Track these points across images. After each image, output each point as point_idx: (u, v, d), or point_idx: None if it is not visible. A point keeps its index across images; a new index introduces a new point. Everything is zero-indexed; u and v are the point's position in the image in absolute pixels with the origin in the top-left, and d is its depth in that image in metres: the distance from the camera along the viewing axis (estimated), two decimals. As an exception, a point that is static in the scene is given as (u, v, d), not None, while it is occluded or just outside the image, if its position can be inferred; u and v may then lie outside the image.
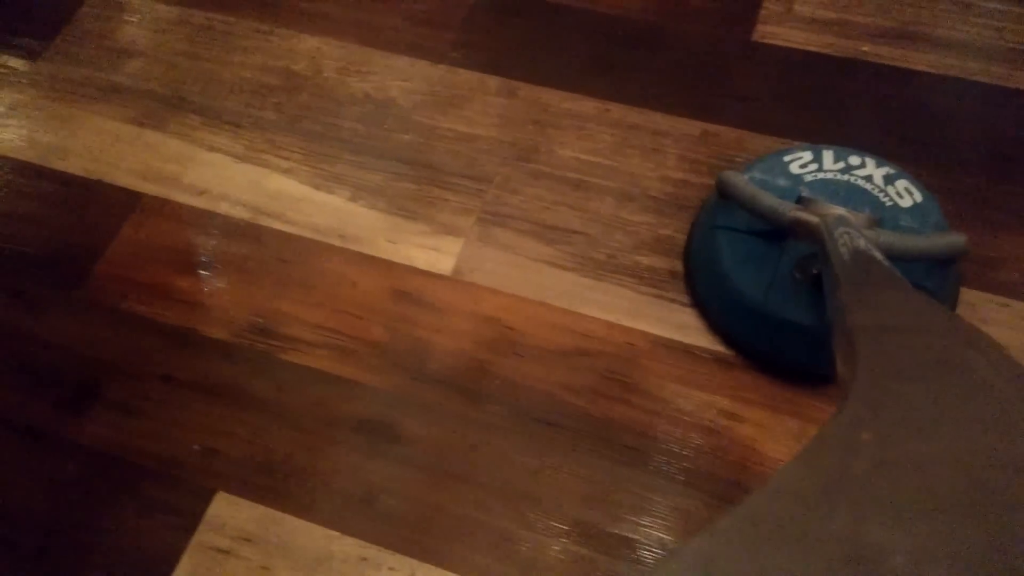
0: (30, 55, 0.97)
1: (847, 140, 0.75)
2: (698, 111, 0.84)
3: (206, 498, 0.68)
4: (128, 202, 0.84)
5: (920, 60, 0.84)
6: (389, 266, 0.78)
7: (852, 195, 0.69)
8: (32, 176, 0.87)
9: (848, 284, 0.42)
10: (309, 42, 0.94)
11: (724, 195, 0.69)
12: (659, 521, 0.64)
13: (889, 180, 0.69)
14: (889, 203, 0.68)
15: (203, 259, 0.80)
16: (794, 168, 0.71)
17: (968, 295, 0.72)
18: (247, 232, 0.81)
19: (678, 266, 0.75)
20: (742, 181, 0.68)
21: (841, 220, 0.58)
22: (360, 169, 0.84)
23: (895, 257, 0.58)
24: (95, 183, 0.86)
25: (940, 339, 0.31)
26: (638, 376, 0.70)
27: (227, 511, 0.67)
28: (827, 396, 0.68)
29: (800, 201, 0.67)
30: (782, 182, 0.70)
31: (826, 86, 0.84)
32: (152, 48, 0.96)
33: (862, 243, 0.50)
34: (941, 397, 0.25)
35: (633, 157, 0.82)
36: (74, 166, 0.87)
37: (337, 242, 0.80)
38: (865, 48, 0.86)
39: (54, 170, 0.87)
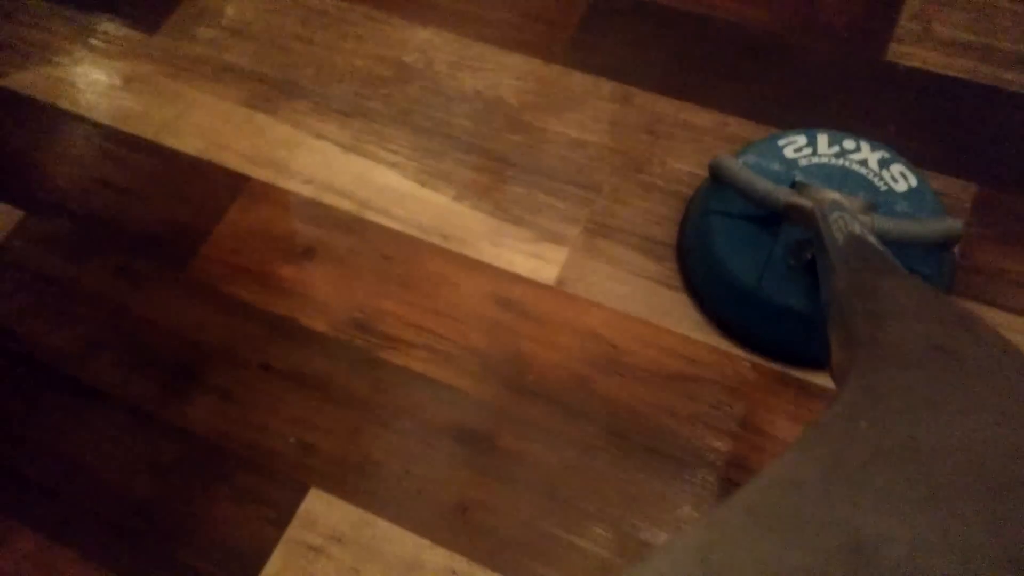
0: (147, 28, 0.97)
1: (993, 179, 0.71)
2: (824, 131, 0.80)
3: (300, 493, 0.68)
4: (235, 185, 0.84)
5: (1065, 93, 0.80)
6: (491, 271, 0.76)
7: (847, 179, 0.68)
8: (144, 151, 0.88)
9: (843, 270, 0.42)
10: (422, 33, 0.93)
11: (718, 179, 0.68)
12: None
13: (884, 164, 0.69)
14: (884, 187, 0.68)
15: (307, 248, 0.79)
16: (788, 152, 0.71)
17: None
18: (351, 225, 0.80)
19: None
20: (736, 165, 0.67)
21: (836, 205, 0.57)
22: (467, 168, 0.83)
23: (890, 242, 0.57)
24: (205, 163, 0.86)
25: (936, 325, 0.30)
26: (747, 408, 0.67)
27: (320, 508, 0.67)
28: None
29: (795, 186, 0.67)
30: (776, 166, 0.70)
31: (963, 114, 0.80)
32: (266, 29, 0.96)
33: (857, 228, 0.49)
34: (938, 383, 0.24)
35: (750, 175, 0.79)
36: (186, 144, 0.88)
37: (440, 242, 0.79)
38: (1009, 76, 0.81)
39: (166, 147, 0.88)
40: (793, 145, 0.71)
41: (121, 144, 0.88)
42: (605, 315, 0.73)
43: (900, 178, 0.68)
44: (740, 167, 0.67)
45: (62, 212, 0.84)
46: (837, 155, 0.70)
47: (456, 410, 0.70)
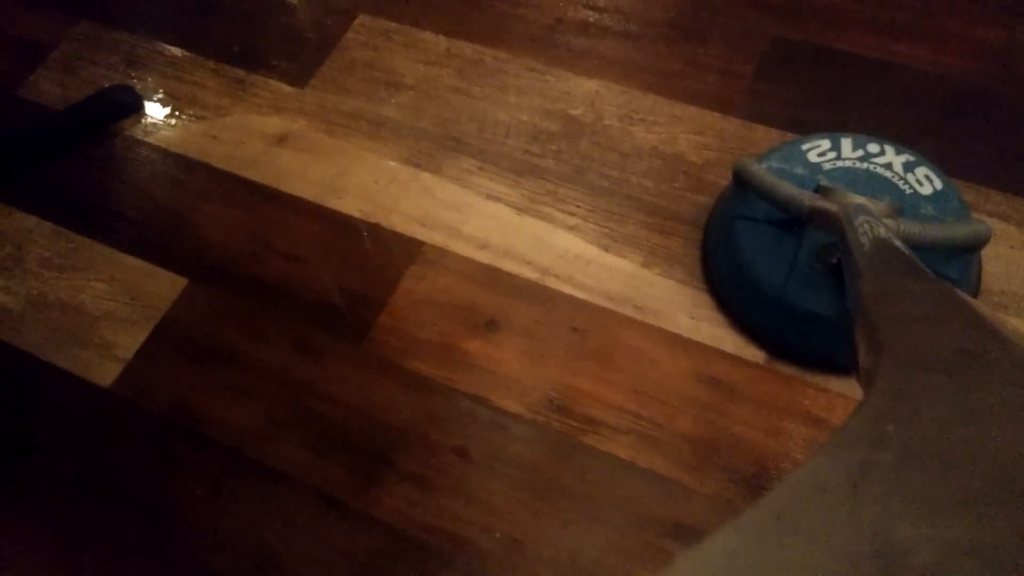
0: (297, 81, 0.94)
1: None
2: (1040, 191, 0.75)
3: (511, 595, 0.63)
4: (408, 251, 0.81)
5: None
6: (693, 346, 0.72)
7: (872, 183, 0.68)
8: (307, 214, 0.84)
9: (869, 274, 0.42)
10: (587, 85, 0.89)
11: (742, 185, 0.68)
12: None
13: (909, 167, 0.68)
14: (909, 191, 0.67)
15: (490, 319, 0.76)
16: (812, 156, 0.70)
17: None
18: (536, 294, 0.76)
19: None
20: (760, 170, 0.66)
21: (861, 209, 0.56)
22: (652, 231, 0.78)
23: (916, 246, 0.57)
24: (373, 227, 0.83)
25: (964, 329, 0.30)
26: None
27: (536, 613, 0.62)
28: None
29: (819, 190, 0.66)
30: (800, 170, 0.69)
31: None
32: (421, 81, 0.92)
33: (883, 232, 0.49)
34: (966, 388, 0.24)
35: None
36: (349, 206, 0.84)
37: (633, 313, 0.74)
38: None
39: (329, 208, 0.85)
40: (817, 149, 0.71)
41: (282, 206, 0.85)
42: (826, 398, 0.68)
43: (925, 181, 0.68)
44: (764, 172, 0.66)
45: (227, 279, 0.81)
46: (861, 159, 0.69)
47: (671, 505, 0.65)
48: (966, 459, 0.20)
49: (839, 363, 0.68)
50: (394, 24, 0.97)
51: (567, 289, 0.76)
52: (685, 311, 0.74)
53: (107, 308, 0.80)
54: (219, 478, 0.71)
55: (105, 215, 0.87)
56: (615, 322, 0.74)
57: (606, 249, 0.78)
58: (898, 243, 0.48)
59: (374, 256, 0.81)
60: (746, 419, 0.68)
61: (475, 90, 0.91)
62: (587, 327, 0.74)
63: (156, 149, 0.91)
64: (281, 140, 0.90)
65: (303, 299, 0.79)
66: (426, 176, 0.85)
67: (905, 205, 0.66)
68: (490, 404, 0.71)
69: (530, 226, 0.81)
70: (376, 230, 0.82)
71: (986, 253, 0.72)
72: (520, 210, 0.82)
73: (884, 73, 0.84)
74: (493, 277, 0.78)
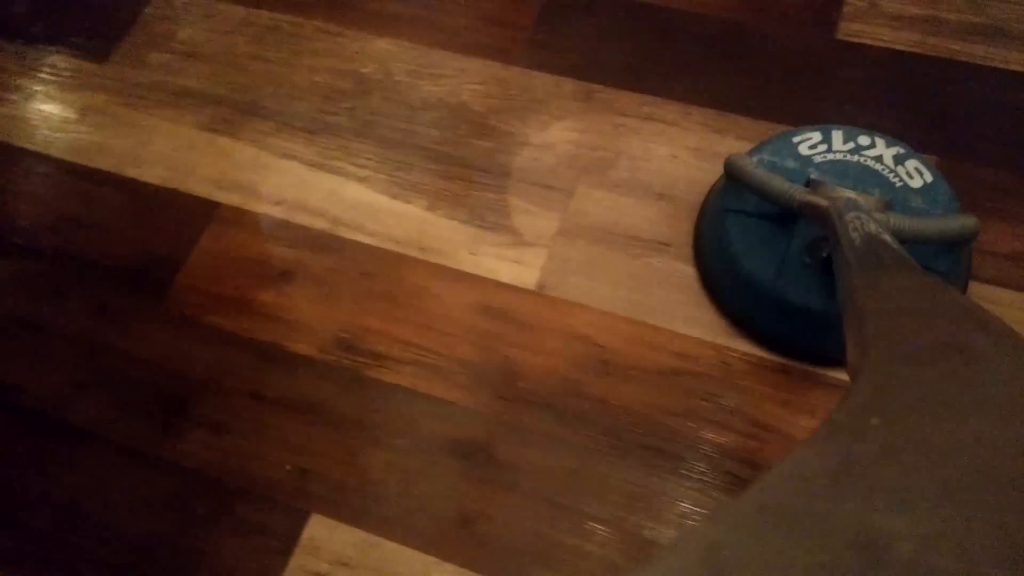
0: (98, 58, 0.96)
1: (947, 148, 0.73)
2: (784, 115, 0.82)
3: (301, 520, 0.68)
4: (205, 212, 0.83)
5: (1015, 59, 0.81)
6: (472, 279, 0.77)
7: (862, 176, 0.68)
8: (108, 184, 0.86)
9: (858, 268, 0.42)
10: (378, 44, 0.93)
11: (732, 178, 0.68)
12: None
13: (899, 160, 0.69)
14: (899, 184, 0.67)
15: (284, 271, 0.79)
16: (803, 149, 0.70)
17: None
18: (327, 244, 0.80)
19: (770, 281, 0.74)
20: (751, 164, 0.67)
21: (851, 204, 0.57)
22: (437, 177, 0.83)
23: (906, 240, 0.57)
24: (171, 192, 0.85)
25: (950, 323, 0.30)
26: (736, 397, 0.69)
27: (323, 534, 0.67)
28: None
29: (810, 184, 0.67)
30: (791, 163, 0.70)
31: (916, 88, 0.82)
32: (220, 51, 0.94)
33: (873, 227, 0.49)
34: (950, 382, 0.24)
35: (719, 164, 0.80)
36: (149, 174, 0.87)
37: (418, 254, 0.79)
38: (956, 47, 0.83)
39: (129, 178, 0.87)
40: (808, 142, 0.71)
41: (83, 179, 0.87)
42: (589, 316, 0.74)
43: (915, 174, 0.68)
44: (755, 165, 0.67)
45: (31, 253, 0.83)
46: (852, 151, 0.69)
47: (450, 424, 0.70)
48: (947, 452, 0.20)
49: (831, 356, 0.69)
50: (193, -4, 0.99)
51: (357, 236, 0.80)
52: (466, 248, 0.78)
53: (-96, 290, 0.81)
54: (25, 439, 0.73)
55: (-99, 200, 0.87)
56: (402, 263, 0.78)
57: (394, 197, 0.82)
58: (887, 237, 0.48)
59: (173, 220, 0.83)
60: (517, 341, 0.73)
61: (271, 55, 0.94)
62: (375, 270, 0.78)
63: (-47, 132, 0.91)
64: (82, 115, 0.92)
65: (104, 266, 0.81)
66: (224, 140, 0.88)
67: (895, 198, 0.66)
68: (283, 349, 0.75)
69: (323, 180, 0.84)
70: (174, 195, 0.85)
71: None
72: (313, 166, 0.85)
73: (651, 16, 0.90)
74: (287, 231, 0.81)
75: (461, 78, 0.89)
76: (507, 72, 0.89)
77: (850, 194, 0.62)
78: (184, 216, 0.84)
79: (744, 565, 0.16)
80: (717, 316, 0.72)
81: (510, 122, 0.86)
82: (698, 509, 0.65)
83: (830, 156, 0.69)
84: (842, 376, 0.69)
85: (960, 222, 0.62)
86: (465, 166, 0.83)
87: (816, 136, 0.71)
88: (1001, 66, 0.81)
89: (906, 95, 0.81)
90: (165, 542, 0.68)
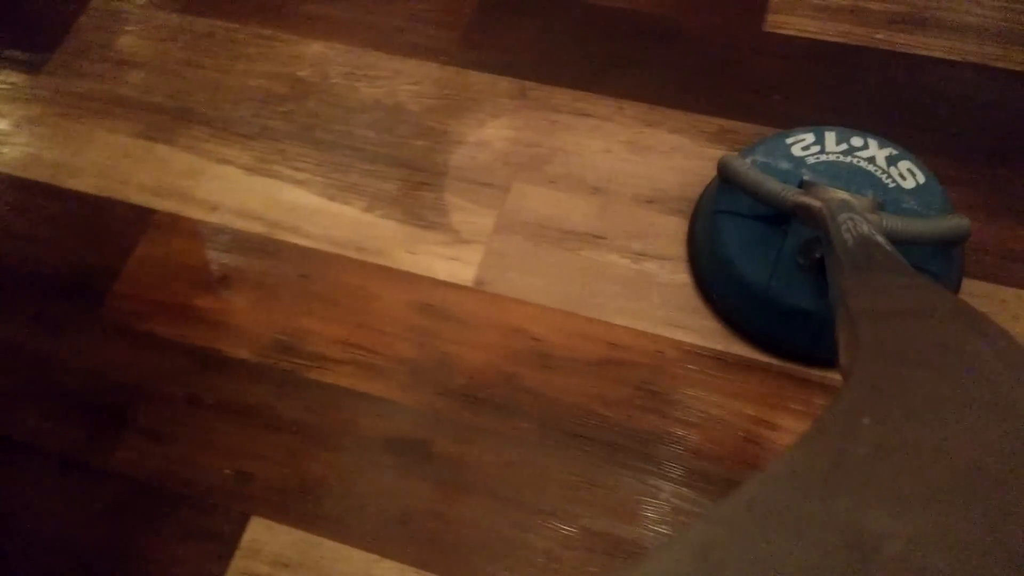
0: (32, 68, 0.95)
1: (871, 133, 0.75)
2: (714, 107, 0.83)
3: (241, 523, 0.67)
4: (141, 220, 0.83)
5: (937, 46, 0.83)
6: (410, 278, 0.77)
7: (855, 177, 0.68)
8: (43, 195, 0.86)
9: (851, 269, 0.42)
10: (314, 47, 0.93)
11: (725, 179, 0.69)
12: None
13: (892, 161, 0.69)
14: (892, 184, 0.68)
15: (221, 276, 0.79)
16: (796, 150, 0.70)
17: (982, 287, 0.72)
18: (264, 247, 0.80)
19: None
20: (744, 165, 0.67)
21: (844, 205, 0.57)
22: (374, 178, 0.83)
23: (898, 241, 0.57)
24: (106, 201, 0.85)
25: (943, 323, 0.30)
26: (669, 386, 0.69)
27: (263, 536, 0.67)
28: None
29: (803, 185, 0.67)
30: (784, 165, 0.70)
31: (842, 76, 0.83)
32: (155, 58, 0.94)
33: (865, 228, 0.49)
34: (943, 382, 0.24)
35: (651, 157, 0.81)
36: (84, 184, 0.86)
37: (356, 255, 0.79)
38: (880, 36, 0.85)
39: (64, 188, 0.86)
40: (801, 143, 0.71)
41: (20, 190, 0.86)
42: (526, 310, 0.74)
43: (908, 175, 0.68)
44: (748, 166, 0.67)
45: (-37, 267, 0.82)
46: (845, 152, 0.69)
47: (389, 421, 0.70)
48: (938, 452, 0.20)
49: (824, 357, 0.68)
50: (127, 5, 0.99)
51: (295, 239, 0.80)
52: (404, 247, 0.79)
53: None
54: (-43, 457, 0.72)
55: None
56: (340, 265, 0.79)
57: (332, 199, 0.82)
58: (880, 238, 0.48)
59: (109, 229, 0.83)
60: (455, 337, 0.74)
61: (207, 61, 0.93)
62: (313, 272, 0.78)
63: None
64: (17, 127, 0.91)
65: (40, 276, 0.81)
66: (160, 148, 0.88)
67: (887, 199, 0.66)
68: (221, 354, 0.75)
69: (260, 184, 0.84)
70: (110, 204, 0.84)
71: (666, 164, 0.80)
72: (250, 170, 0.85)
73: (584, 14, 0.91)
74: (224, 236, 0.81)
75: (397, 79, 0.89)
76: (443, 72, 0.89)
77: (843, 195, 0.62)
78: (120, 224, 0.83)
79: (735, 564, 0.16)
80: (650, 306, 0.73)
81: (446, 121, 0.86)
82: (636, 496, 0.66)
83: (823, 157, 0.69)
84: (772, 361, 0.70)
85: (952, 223, 0.62)
86: (402, 166, 0.83)
87: (809, 137, 0.71)
88: (923, 53, 0.83)
89: (831, 84, 0.83)
90: (105, 552, 0.68)
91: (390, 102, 0.88)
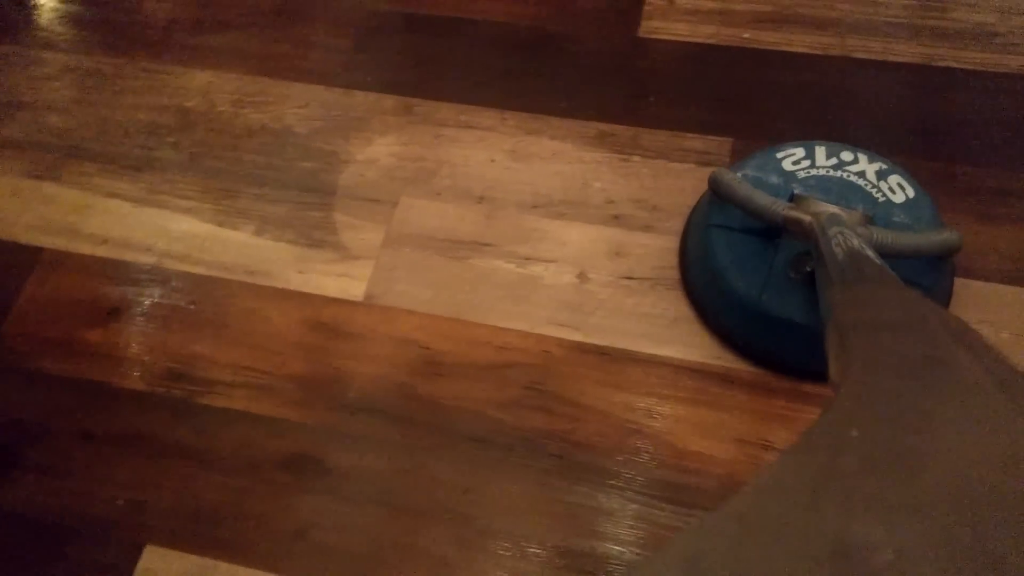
0: (-87, 116, 0.94)
1: (743, 130, 0.77)
2: (593, 112, 0.85)
3: (135, 553, 0.67)
4: (29, 258, 0.83)
5: (799, 41, 0.87)
6: (301, 297, 0.78)
7: (845, 191, 0.68)
8: (-74, 241, 0.85)
9: (841, 282, 0.43)
10: (200, 77, 0.93)
11: (717, 194, 0.69)
12: (590, 526, 0.66)
13: (882, 176, 0.69)
14: (882, 199, 0.68)
15: (111, 309, 0.79)
16: (787, 165, 0.71)
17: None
18: (154, 277, 0.80)
19: (588, 269, 0.76)
20: (735, 180, 0.67)
21: (834, 219, 0.57)
22: (263, 201, 0.84)
23: (889, 255, 0.57)
24: (-7, 242, 0.84)
25: (930, 336, 0.31)
26: (558, 384, 0.71)
27: (157, 564, 0.66)
28: (754, 387, 0.70)
29: (793, 199, 0.68)
30: (775, 179, 0.70)
31: (713, 76, 0.86)
32: (41, 98, 0.94)
33: (855, 242, 0.50)
34: (930, 394, 0.25)
35: (534, 163, 0.83)
36: (-30, 227, 0.85)
37: (246, 278, 0.79)
38: (747, 35, 0.88)
39: (-51, 233, 0.85)
40: (791, 158, 0.71)
41: (-100, 237, 0.85)
42: (416, 320, 0.75)
43: (898, 189, 0.68)
44: (739, 181, 0.67)
45: None
46: (835, 167, 0.70)
47: (282, 440, 0.71)
48: (925, 463, 0.20)
49: (816, 370, 0.66)
50: (14, 47, 0.98)
51: (185, 267, 0.80)
52: (294, 267, 0.79)
53: None
54: None
55: None
56: (230, 289, 0.79)
57: (221, 225, 0.83)
58: (870, 252, 0.48)
59: (-4, 270, 0.82)
60: (346, 352, 0.74)
61: (93, 97, 0.93)
62: (203, 299, 0.78)
63: None
64: (-101, 175, 0.90)
65: (-75, 323, 0.80)
66: (48, 186, 0.87)
67: (877, 213, 0.66)
68: (112, 386, 0.75)
69: (149, 216, 0.84)
70: (-3, 245, 0.84)
71: (548, 169, 0.81)
72: (139, 202, 0.85)
73: (463, 30, 0.93)
74: (113, 269, 0.81)
75: (284, 103, 0.90)
76: (329, 94, 0.90)
77: (833, 209, 0.63)
78: (8, 265, 0.83)
79: (724, 574, 0.16)
80: (536, 307, 0.75)
81: (334, 141, 0.87)
82: (528, 493, 0.67)
83: (813, 171, 0.70)
84: (667, 353, 0.72)
85: (942, 237, 0.63)
86: (291, 188, 0.84)
87: (799, 152, 0.71)
88: (787, 49, 0.86)
89: (705, 85, 0.86)
90: (-3, 593, 0.67)
91: (277, 126, 0.89)
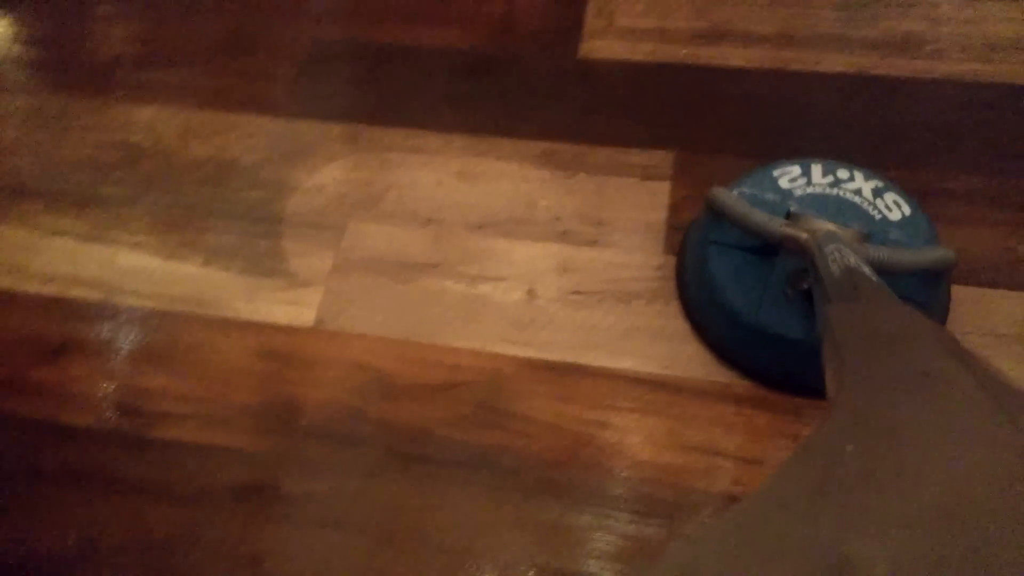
0: None
1: (685, 143, 0.79)
2: (537, 132, 0.86)
3: (88, 591, 0.66)
4: (-26, 299, 0.81)
5: (736, 56, 0.88)
6: (251, 326, 0.77)
7: (842, 209, 0.69)
8: None
9: (837, 299, 0.43)
10: (146, 111, 0.93)
11: (714, 212, 0.69)
12: (549, 540, 0.66)
13: (878, 193, 0.70)
14: (878, 216, 0.68)
15: (59, 346, 0.78)
16: (783, 182, 0.71)
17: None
18: (102, 312, 0.79)
19: (537, 286, 0.77)
20: (732, 197, 0.68)
21: (831, 236, 0.58)
22: (211, 233, 0.84)
23: (885, 272, 0.57)
24: (-64, 285, 0.83)
25: (926, 352, 0.31)
26: (508, 400, 0.71)
27: (111, 601, 0.65)
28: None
29: (790, 216, 0.68)
30: (771, 196, 0.70)
31: (653, 92, 0.87)
32: (-17, 138, 0.93)
33: (852, 259, 0.50)
34: (925, 409, 0.25)
35: (480, 184, 0.83)
36: (-88, 270, 0.84)
37: (195, 309, 0.79)
38: (684, 52, 0.89)
39: None
40: (788, 175, 0.71)
41: None
42: (367, 343, 0.75)
43: (894, 207, 0.69)
44: (735, 199, 0.67)
45: None
46: (831, 184, 0.70)
47: (234, 469, 0.70)
48: (920, 478, 0.20)
49: (814, 386, 0.66)
50: (-47, 88, 0.98)
51: (133, 301, 0.80)
52: (243, 297, 0.79)
53: None
54: None
55: None
56: (179, 321, 0.78)
57: (169, 257, 0.82)
58: (866, 269, 0.48)
59: (-61, 312, 0.81)
60: (297, 379, 0.74)
61: (37, 136, 0.93)
62: (152, 332, 0.78)
63: None
64: None
65: None
66: (-9, 226, 0.87)
67: (873, 230, 0.66)
68: (60, 423, 0.74)
69: (95, 251, 0.84)
70: (-60, 287, 0.83)
71: (495, 190, 0.82)
72: (85, 239, 0.84)
73: (414, 55, 0.94)
74: (60, 307, 0.80)
75: (230, 134, 0.90)
76: (275, 124, 0.91)
77: (830, 226, 0.63)
78: (-48, 306, 0.81)
79: None
80: (486, 326, 0.75)
81: (281, 170, 0.87)
82: (480, 508, 0.67)
83: (810, 189, 0.70)
84: (619, 365, 0.72)
85: (938, 254, 0.63)
86: (238, 218, 0.84)
87: (796, 170, 0.72)
88: (724, 64, 0.88)
89: (646, 101, 0.87)
90: (-56, 640, 0.65)
91: (225, 157, 0.89)
